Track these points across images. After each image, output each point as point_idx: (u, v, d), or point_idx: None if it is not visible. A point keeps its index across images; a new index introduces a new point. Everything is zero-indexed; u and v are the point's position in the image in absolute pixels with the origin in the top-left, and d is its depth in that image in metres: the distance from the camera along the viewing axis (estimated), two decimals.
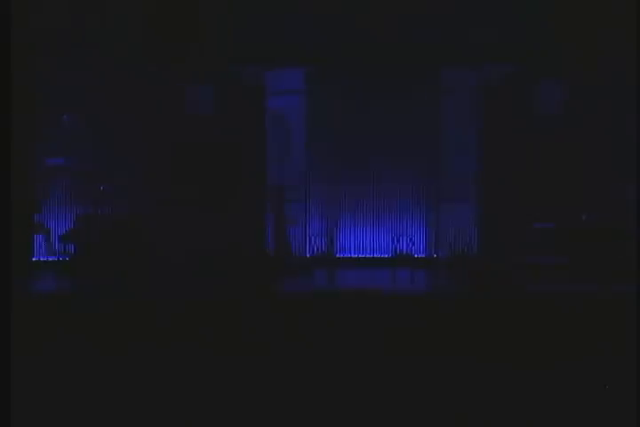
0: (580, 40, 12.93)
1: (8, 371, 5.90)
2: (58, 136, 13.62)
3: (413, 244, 13.58)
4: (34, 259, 13.31)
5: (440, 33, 13.20)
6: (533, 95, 13.34)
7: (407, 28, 13.26)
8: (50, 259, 13.31)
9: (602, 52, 12.91)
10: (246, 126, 13.62)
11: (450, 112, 13.68)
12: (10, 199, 6.88)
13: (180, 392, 6.54)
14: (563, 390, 6.64)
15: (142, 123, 13.47)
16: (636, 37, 12.48)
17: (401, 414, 6.12)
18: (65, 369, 7.10)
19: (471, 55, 13.25)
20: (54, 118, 13.56)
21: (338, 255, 13.83)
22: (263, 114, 13.72)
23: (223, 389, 6.68)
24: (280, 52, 13.46)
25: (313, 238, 13.88)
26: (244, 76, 13.63)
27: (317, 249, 13.86)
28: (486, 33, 13.15)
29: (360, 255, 13.87)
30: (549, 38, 13.00)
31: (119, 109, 13.41)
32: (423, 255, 13.69)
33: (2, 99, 6.99)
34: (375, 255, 13.84)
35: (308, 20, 13.35)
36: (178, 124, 13.60)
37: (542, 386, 6.73)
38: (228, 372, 7.20)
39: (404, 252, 13.41)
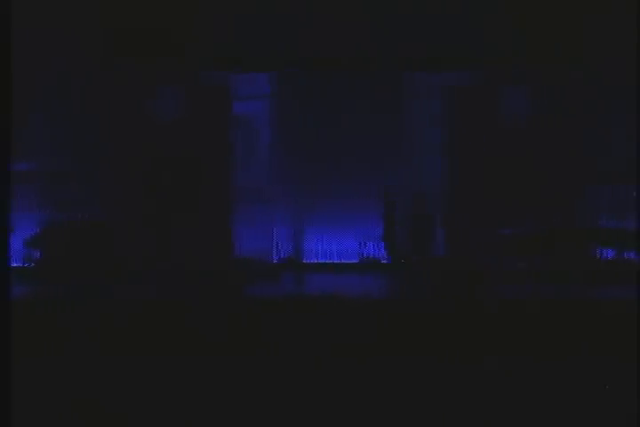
0: (544, 42, 13.00)
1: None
2: (25, 139, 13.49)
3: (365, 246, 13.52)
4: None
5: (406, 36, 13.22)
6: (499, 99, 13.40)
7: (373, 31, 13.26)
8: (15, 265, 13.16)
9: (566, 55, 12.99)
10: (211, 131, 13.55)
11: (416, 116, 13.71)
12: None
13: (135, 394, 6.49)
14: (529, 390, 6.65)
15: (107, 127, 13.37)
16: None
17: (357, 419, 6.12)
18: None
19: (436, 59, 13.28)
20: (21, 120, 13.43)
21: (304, 260, 13.80)
22: (229, 118, 13.66)
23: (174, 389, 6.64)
24: (246, 56, 13.41)
25: (279, 243, 13.84)
26: (209, 80, 13.57)
27: (284, 254, 13.82)
28: (450, 36, 13.18)
29: (327, 260, 13.84)
30: (513, 41, 13.06)
31: (85, 113, 13.30)
32: (390, 260, 13.69)
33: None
34: (342, 260, 13.82)
35: (275, 23, 13.32)
36: (143, 128, 13.50)
37: (509, 387, 6.75)
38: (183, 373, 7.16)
39: (372, 257, 13.40)
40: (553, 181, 13.27)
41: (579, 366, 7.36)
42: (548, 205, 13.18)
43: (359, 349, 7.99)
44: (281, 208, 13.95)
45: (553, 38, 12.90)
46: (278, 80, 13.73)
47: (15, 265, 13.10)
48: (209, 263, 12.73)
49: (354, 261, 13.66)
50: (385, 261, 13.51)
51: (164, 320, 8.82)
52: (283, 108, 13.78)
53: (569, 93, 13.21)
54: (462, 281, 12.26)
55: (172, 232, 13.24)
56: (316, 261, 13.85)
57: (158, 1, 13.14)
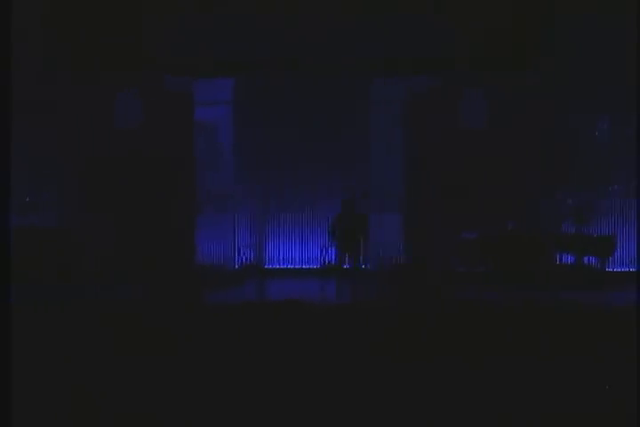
0: (505, 51, 13.09)
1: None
2: None
3: (326, 251, 13.50)
4: None
5: (369, 46, 13.26)
6: (460, 108, 13.45)
7: (337, 40, 13.29)
8: None
9: (528, 60, 13.10)
10: (175, 138, 13.51)
11: (379, 124, 13.73)
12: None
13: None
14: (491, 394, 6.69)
15: (70, 133, 13.29)
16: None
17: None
18: None
19: (399, 68, 13.34)
20: None
21: (266, 266, 13.78)
22: (191, 124, 13.63)
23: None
24: (209, 63, 13.40)
25: (242, 250, 13.80)
26: (172, 87, 13.54)
27: (246, 260, 13.79)
28: (414, 46, 13.24)
29: (289, 266, 13.82)
30: (476, 50, 13.13)
31: (47, 119, 13.22)
32: (351, 266, 13.66)
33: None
34: (304, 266, 13.80)
35: (238, 31, 13.31)
36: (106, 135, 13.43)
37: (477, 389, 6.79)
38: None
39: (333, 263, 13.38)
40: (515, 185, 13.35)
41: (531, 366, 7.43)
42: (510, 210, 13.25)
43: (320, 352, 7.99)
44: (243, 213, 13.92)
45: (510, 44, 13.00)
46: (240, 85, 13.71)
47: None
48: (170, 269, 12.66)
49: (316, 266, 13.64)
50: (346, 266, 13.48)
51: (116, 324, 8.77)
52: (244, 113, 13.76)
53: (530, 100, 13.31)
54: (424, 283, 12.31)
55: (133, 237, 13.16)
56: (278, 267, 13.82)
57: (119, 10, 13.08)
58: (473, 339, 8.22)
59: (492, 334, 8.37)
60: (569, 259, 13.06)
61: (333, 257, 13.13)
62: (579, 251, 12.78)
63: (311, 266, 13.69)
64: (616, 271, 12.97)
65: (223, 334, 8.50)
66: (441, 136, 13.37)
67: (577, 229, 13.01)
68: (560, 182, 13.40)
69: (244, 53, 13.34)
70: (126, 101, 13.44)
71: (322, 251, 13.48)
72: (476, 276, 12.63)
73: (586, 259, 12.88)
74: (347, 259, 12.81)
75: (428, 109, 13.43)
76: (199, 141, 13.70)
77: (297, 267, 13.79)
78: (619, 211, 13.47)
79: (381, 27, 13.21)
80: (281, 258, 13.87)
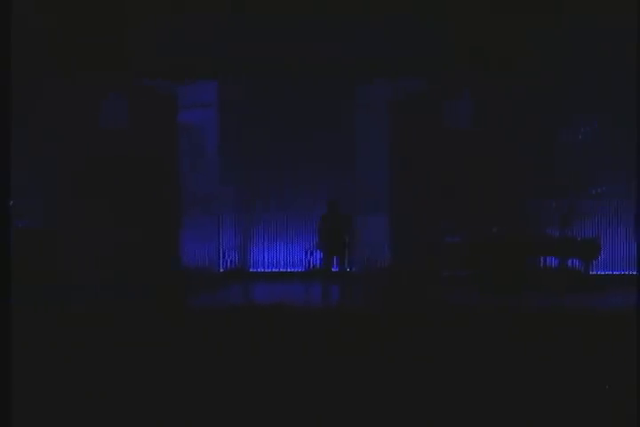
0: (488, 55, 13.10)
1: None
2: None
3: (312, 254, 13.49)
4: None
5: (355, 48, 13.25)
6: (445, 109, 13.44)
7: (322, 42, 13.27)
8: None
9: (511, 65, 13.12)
10: (159, 139, 13.47)
11: (364, 126, 13.72)
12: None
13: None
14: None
15: (56, 136, 13.23)
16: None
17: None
18: None
19: (385, 70, 13.33)
20: None
21: (251, 270, 13.75)
22: (176, 127, 13.59)
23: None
24: (193, 66, 13.37)
25: (226, 253, 13.76)
26: (157, 90, 13.50)
27: (231, 263, 13.75)
28: (400, 49, 13.23)
29: (274, 269, 13.78)
30: (460, 53, 13.13)
31: (33, 121, 13.15)
32: (337, 269, 13.64)
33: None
34: (289, 269, 13.77)
35: (223, 33, 13.28)
36: (91, 137, 13.37)
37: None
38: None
39: (318, 265, 13.36)
40: (500, 187, 13.36)
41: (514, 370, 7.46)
42: (496, 212, 13.26)
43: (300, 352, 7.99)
44: (228, 216, 13.88)
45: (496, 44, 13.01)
46: (224, 88, 13.67)
47: None
48: (154, 272, 12.61)
49: (300, 269, 13.61)
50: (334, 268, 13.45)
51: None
52: (229, 115, 13.72)
53: (515, 104, 13.33)
54: (407, 287, 12.30)
55: (117, 240, 13.11)
56: (263, 271, 13.78)
57: (104, 13, 13.02)
58: (454, 342, 8.23)
59: (469, 338, 8.39)
60: (553, 262, 13.08)
61: (318, 260, 13.12)
62: (563, 254, 12.79)
63: (296, 269, 13.65)
64: (600, 274, 13.00)
65: (206, 339, 8.48)
66: (426, 137, 13.35)
67: (561, 231, 13.02)
68: (544, 185, 13.42)
69: (230, 55, 13.32)
70: (112, 103, 13.38)
71: (307, 254, 13.45)
72: (460, 279, 12.63)
73: (570, 262, 12.89)
74: (332, 261, 12.79)
75: (414, 110, 13.42)
76: (184, 143, 13.66)
77: (282, 270, 13.73)
78: (603, 213, 13.51)
79: (366, 28, 13.20)
80: (266, 261, 13.83)
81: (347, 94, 13.69)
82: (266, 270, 13.78)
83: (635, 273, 13.09)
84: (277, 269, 13.78)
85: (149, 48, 13.17)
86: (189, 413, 6.50)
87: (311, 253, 13.38)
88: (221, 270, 13.71)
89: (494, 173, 13.33)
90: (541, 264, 13.12)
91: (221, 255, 13.75)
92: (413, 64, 13.25)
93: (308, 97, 13.76)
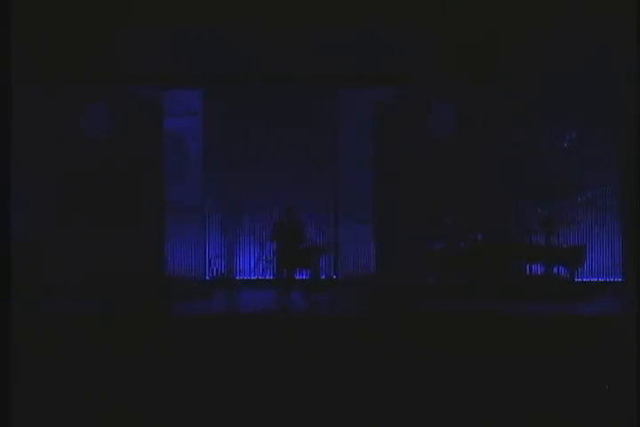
0: (472, 63, 13.15)
1: None
2: None
3: (268, 261, 13.46)
4: None
5: (338, 59, 13.28)
6: (429, 115, 13.47)
7: (306, 53, 13.30)
8: None
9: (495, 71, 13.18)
10: (144, 147, 13.45)
11: (348, 137, 13.71)
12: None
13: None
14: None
15: (40, 144, 13.19)
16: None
17: None
18: None
19: (368, 76, 13.37)
20: None
21: (237, 277, 13.72)
22: (161, 135, 13.57)
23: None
24: (178, 73, 13.37)
25: (212, 261, 13.72)
26: (141, 97, 13.50)
27: (216, 271, 13.71)
28: (384, 55, 13.27)
29: (259, 277, 13.74)
30: (444, 60, 13.17)
31: (17, 130, 13.06)
32: (324, 276, 13.63)
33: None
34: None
35: (207, 40, 13.29)
36: (76, 145, 13.35)
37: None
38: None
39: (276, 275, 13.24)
40: (483, 195, 13.40)
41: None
42: (480, 220, 13.29)
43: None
44: (213, 224, 13.85)
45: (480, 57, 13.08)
46: (208, 96, 13.67)
47: None
48: (139, 281, 12.56)
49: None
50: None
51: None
52: (213, 126, 13.71)
53: (497, 110, 13.37)
54: (392, 295, 12.30)
55: (102, 248, 13.07)
56: (249, 278, 13.75)
57: (91, 19, 13.00)
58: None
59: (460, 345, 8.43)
60: (538, 269, 13.11)
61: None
62: (548, 261, 12.81)
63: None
64: (586, 281, 13.04)
65: (191, 347, 8.46)
66: (410, 148, 13.39)
67: (546, 239, 13.06)
68: (530, 192, 13.46)
69: (213, 66, 13.33)
70: (96, 113, 13.34)
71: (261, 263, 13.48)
72: (445, 287, 12.63)
73: (555, 269, 12.91)
74: (285, 269, 12.75)
75: (397, 122, 13.46)
76: (168, 153, 13.62)
77: (268, 277, 13.65)
78: (588, 221, 13.57)
79: (350, 40, 13.25)
80: (252, 269, 13.80)
81: (330, 106, 13.71)
82: (252, 278, 13.74)
83: (619, 280, 13.24)
84: (263, 277, 13.68)
85: (135, 57, 13.20)
86: (184, 414, 6.51)
87: (265, 262, 13.39)
88: (208, 278, 13.66)
89: (479, 181, 13.38)
90: (526, 271, 13.15)
91: (207, 263, 13.70)
92: (397, 76, 13.29)
93: (292, 109, 13.76)
